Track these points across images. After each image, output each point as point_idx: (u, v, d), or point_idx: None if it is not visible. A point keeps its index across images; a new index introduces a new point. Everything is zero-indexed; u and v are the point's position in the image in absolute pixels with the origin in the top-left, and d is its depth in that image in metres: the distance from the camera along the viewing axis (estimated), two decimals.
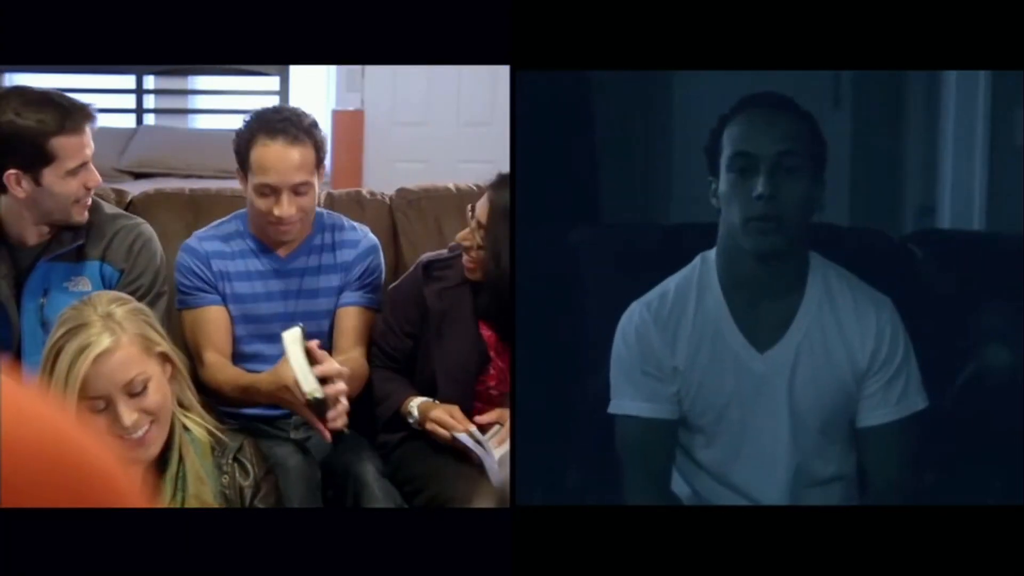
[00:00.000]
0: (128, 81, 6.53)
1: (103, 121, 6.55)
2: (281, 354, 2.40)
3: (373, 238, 2.84)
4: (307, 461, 2.52)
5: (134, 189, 3.48)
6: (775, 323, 2.07)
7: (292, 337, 2.36)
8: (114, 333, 1.99)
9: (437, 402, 2.56)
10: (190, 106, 6.71)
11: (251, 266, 2.74)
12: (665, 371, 2.08)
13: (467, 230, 2.54)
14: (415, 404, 2.55)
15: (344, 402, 2.38)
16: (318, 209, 2.80)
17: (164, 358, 2.07)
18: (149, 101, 6.64)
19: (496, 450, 2.50)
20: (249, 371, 2.66)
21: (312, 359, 2.36)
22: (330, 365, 2.37)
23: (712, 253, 2.11)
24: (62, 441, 0.59)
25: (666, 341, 2.08)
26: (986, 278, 2.42)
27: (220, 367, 2.65)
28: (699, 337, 2.07)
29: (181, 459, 2.07)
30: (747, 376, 2.05)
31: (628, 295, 2.16)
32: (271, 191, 2.59)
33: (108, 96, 6.57)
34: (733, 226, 2.02)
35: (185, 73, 6.55)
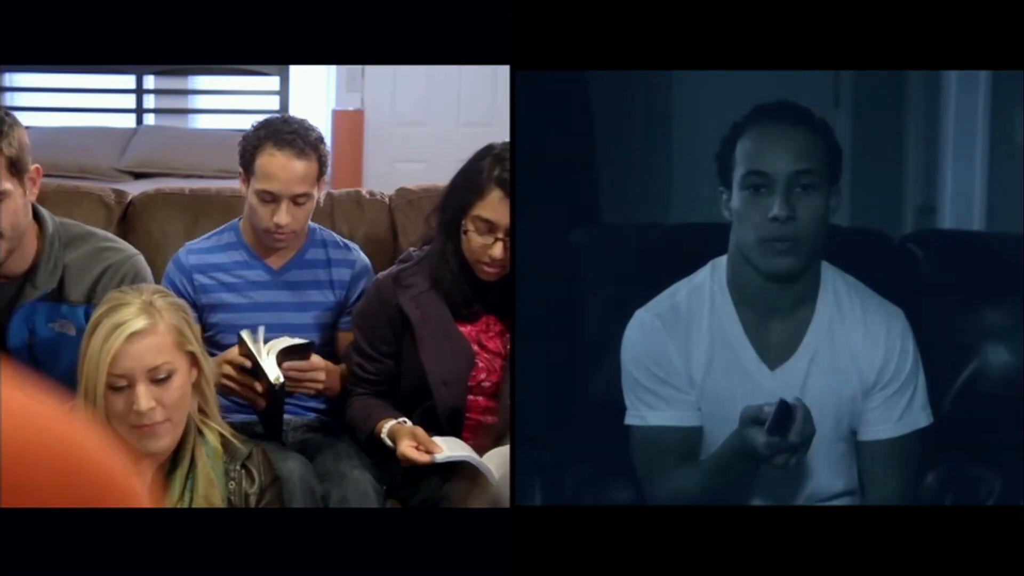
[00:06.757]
0: (128, 81, 6.53)
1: (103, 121, 6.59)
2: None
3: (365, 259, 2.87)
4: (311, 473, 2.52)
5: (134, 189, 3.49)
6: (786, 339, 2.04)
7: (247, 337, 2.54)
8: (152, 317, 2.02)
9: (406, 423, 2.52)
10: (190, 106, 6.70)
11: (243, 277, 2.76)
12: (682, 380, 2.04)
13: (496, 244, 2.44)
14: (386, 432, 2.53)
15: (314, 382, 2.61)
16: (311, 224, 2.83)
17: (193, 360, 2.08)
18: (149, 101, 6.64)
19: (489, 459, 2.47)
20: None
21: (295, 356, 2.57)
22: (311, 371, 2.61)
23: (722, 262, 2.07)
24: (66, 444, 0.59)
25: (680, 351, 2.04)
26: (986, 278, 2.42)
27: None
28: (712, 350, 2.04)
29: (193, 461, 2.08)
30: (758, 393, 2.01)
31: (628, 295, 2.15)
32: (272, 198, 2.65)
33: (108, 96, 6.57)
34: (746, 244, 1.98)
35: (185, 73, 6.55)
